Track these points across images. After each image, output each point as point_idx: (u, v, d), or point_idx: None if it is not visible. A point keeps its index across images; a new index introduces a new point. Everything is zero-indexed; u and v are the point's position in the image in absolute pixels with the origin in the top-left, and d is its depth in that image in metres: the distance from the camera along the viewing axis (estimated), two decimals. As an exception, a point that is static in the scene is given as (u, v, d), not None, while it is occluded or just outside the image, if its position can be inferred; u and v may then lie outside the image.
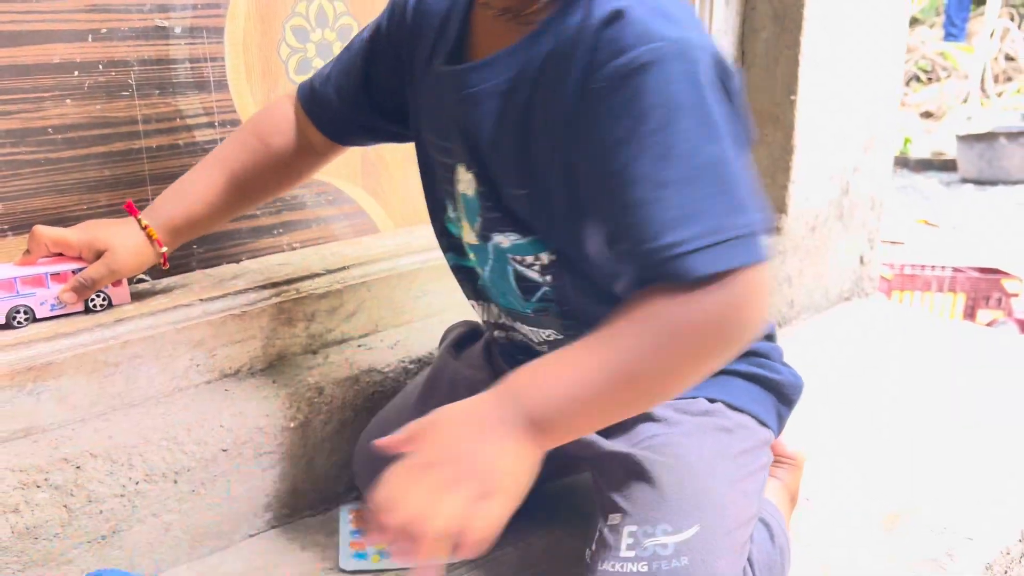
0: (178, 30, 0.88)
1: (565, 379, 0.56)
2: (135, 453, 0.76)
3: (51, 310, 0.81)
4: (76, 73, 0.83)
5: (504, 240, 0.69)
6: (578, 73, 0.57)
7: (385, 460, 0.55)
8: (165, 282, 0.91)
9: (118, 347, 0.80)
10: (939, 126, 6.91)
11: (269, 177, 0.83)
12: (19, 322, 0.79)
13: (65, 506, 0.72)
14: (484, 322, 0.82)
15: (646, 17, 0.55)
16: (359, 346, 0.97)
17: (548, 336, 0.74)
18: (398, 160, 1.10)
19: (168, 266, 0.83)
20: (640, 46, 0.54)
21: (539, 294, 0.71)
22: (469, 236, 0.73)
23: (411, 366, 0.95)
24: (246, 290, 0.89)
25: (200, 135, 0.92)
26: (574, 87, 0.58)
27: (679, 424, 0.72)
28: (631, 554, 0.65)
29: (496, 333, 0.81)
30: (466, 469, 0.53)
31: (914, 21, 7.73)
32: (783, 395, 0.79)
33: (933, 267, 2.85)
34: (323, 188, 1.04)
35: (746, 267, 0.53)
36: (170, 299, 0.86)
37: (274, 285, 0.92)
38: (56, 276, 0.80)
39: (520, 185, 0.65)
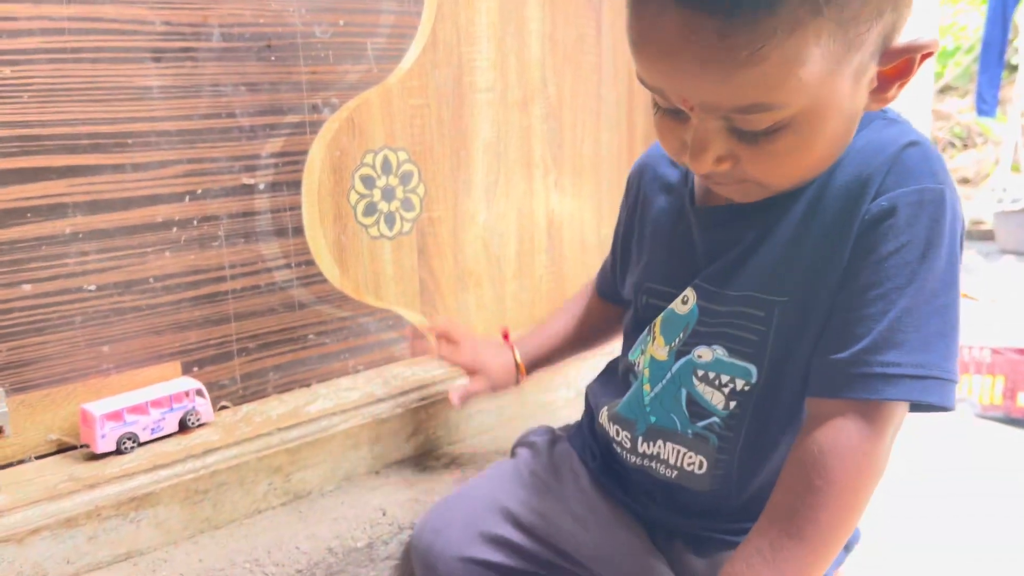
0: (262, 186, 1.00)
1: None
2: (223, 575, 0.85)
3: (152, 434, 0.91)
4: (175, 229, 0.94)
5: (707, 354, 0.71)
6: (867, 196, 0.62)
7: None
8: (245, 409, 1.01)
9: (207, 476, 0.89)
10: (977, 192, 6.90)
11: (601, 327, 1.00)
12: (127, 448, 0.89)
13: (162, 627, 0.80)
14: (612, 440, 0.83)
15: (928, 157, 0.62)
16: (416, 466, 1.05)
17: (687, 464, 0.75)
18: (451, 285, 1.20)
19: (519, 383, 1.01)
20: (925, 183, 0.60)
21: (706, 422, 0.73)
22: (657, 352, 0.75)
23: (465, 484, 1.03)
24: (318, 417, 0.99)
25: (279, 276, 1.03)
26: (855, 207, 0.63)
27: None
28: None
29: (619, 450, 0.82)
30: None
31: (947, 89, 7.79)
32: (847, 545, 0.80)
33: (971, 348, 2.86)
34: (385, 314, 1.14)
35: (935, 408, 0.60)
36: (252, 428, 0.95)
37: (343, 411, 1.01)
38: (155, 403, 0.91)
39: (758, 305, 0.68)
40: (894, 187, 0.61)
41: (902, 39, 0.59)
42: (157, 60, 0.90)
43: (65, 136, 0.86)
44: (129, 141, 0.90)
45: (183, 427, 0.94)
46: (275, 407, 1.01)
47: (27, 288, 0.86)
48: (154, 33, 0.89)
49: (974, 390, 2.77)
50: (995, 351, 2.81)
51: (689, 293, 0.72)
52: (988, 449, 1.39)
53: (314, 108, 1.02)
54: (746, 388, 0.70)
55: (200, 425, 0.95)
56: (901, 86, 0.61)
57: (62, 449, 0.91)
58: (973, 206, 6.38)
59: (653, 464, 0.77)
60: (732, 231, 0.70)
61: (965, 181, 7.32)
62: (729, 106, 0.56)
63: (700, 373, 0.72)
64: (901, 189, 0.61)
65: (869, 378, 0.60)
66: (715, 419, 0.72)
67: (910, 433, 0.86)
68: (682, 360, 0.73)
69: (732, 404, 0.71)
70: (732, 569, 0.62)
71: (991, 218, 5.42)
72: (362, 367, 1.13)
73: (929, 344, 0.60)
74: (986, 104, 4.19)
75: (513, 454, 0.99)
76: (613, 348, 0.93)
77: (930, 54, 0.58)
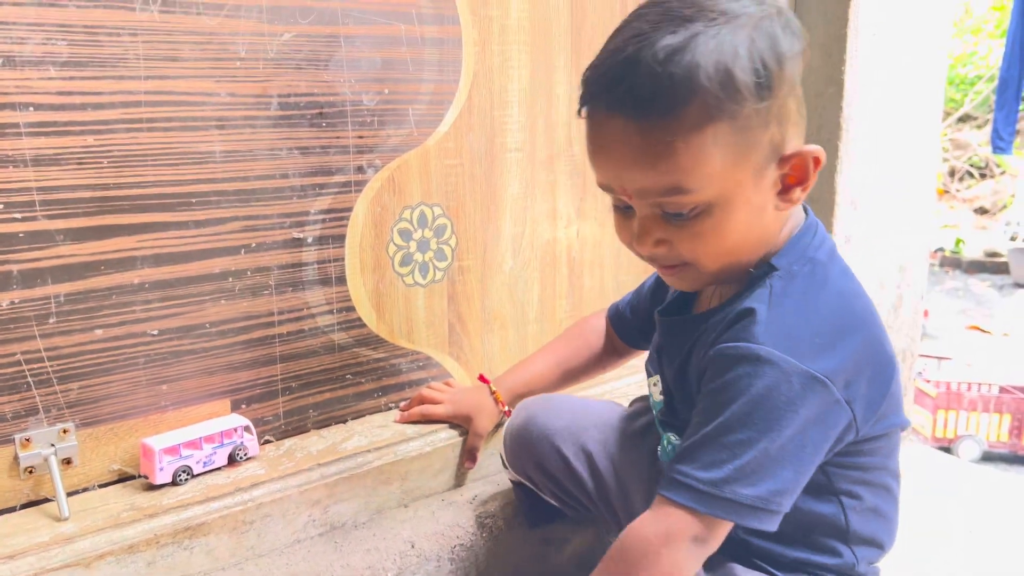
0: (310, 239, 1.08)
1: None
2: (266, 601, 0.93)
3: (204, 467, 1.00)
4: (230, 279, 1.03)
5: (672, 439, 0.87)
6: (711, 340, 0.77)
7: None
8: (287, 444, 1.09)
9: (254, 508, 0.98)
10: (993, 222, 6.91)
11: (585, 364, 1.13)
12: (182, 479, 0.98)
13: (212, 647, 0.89)
14: None
15: (768, 329, 0.72)
16: (442, 500, 1.14)
17: None
18: (477, 328, 1.28)
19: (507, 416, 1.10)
20: (745, 342, 0.72)
21: None
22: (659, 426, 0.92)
23: (487, 520, 1.11)
24: (355, 454, 1.07)
25: (321, 321, 1.11)
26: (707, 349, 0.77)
27: None
28: None
29: None
30: None
31: (966, 118, 7.81)
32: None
33: (979, 385, 2.91)
34: (416, 356, 1.22)
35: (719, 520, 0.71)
36: (294, 463, 1.04)
37: (376, 448, 1.09)
38: (208, 438, 1.00)
39: (676, 402, 0.86)
40: (722, 340, 0.74)
41: (795, 147, 0.73)
42: (221, 128, 0.99)
43: (137, 197, 0.95)
44: (192, 200, 0.99)
45: (231, 460, 1.02)
46: (315, 443, 1.10)
47: (99, 333, 0.95)
48: (219, 104, 0.98)
49: (981, 427, 2.82)
50: (1003, 389, 2.87)
51: (657, 381, 0.90)
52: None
53: (359, 169, 1.10)
54: None
55: (247, 459, 1.04)
56: (804, 190, 0.75)
57: (122, 479, 1.00)
58: (988, 237, 6.41)
59: None
60: (676, 341, 0.84)
61: (983, 211, 7.33)
62: (656, 189, 0.71)
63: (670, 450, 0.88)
64: (723, 344, 0.74)
65: (670, 480, 0.73)
66: None
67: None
68: (665, 438, 0.89)
69: None
70: None
71: (1006, 252, 5.46)
72: (394, 405, 1.22)
73: (717, 466, 0.71)
74: (1003, 142, 4.23)
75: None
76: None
77: (819, 160, 0.73)
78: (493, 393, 1.13)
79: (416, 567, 1.04)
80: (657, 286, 1.03)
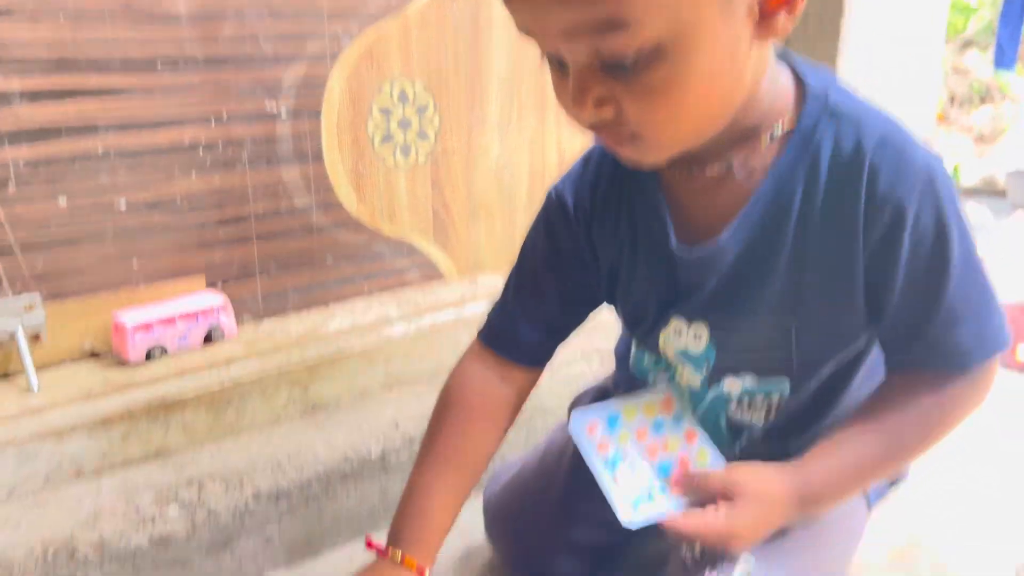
0: (283, 113, 1.03)
1: (843, 474, 0.68)
2: (245, 475, 0.91)
3: (179, 345, 0.97)
4: (200, 152, 0.98)
5: (736, 385, 0.72)
6: (858, 201, 0.61)
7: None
8: (266, 325, 1.06)
9: (231, 386, 0.95)
10: (992, 150, 6.84)
11: (490, 443, 0.79)
12: (156, 355, 0.95)
13: (191, 519, 0.87)
14: None
15: (909, 142, 0.61)
16: (428, 384, 1.11)
17: (732, 460, 0.75)
18: (463, 217, 1.24)
19: None
20: (919, 170, 0.60)
21: (747, 432, 0.75)
22: (689, 379, 0.75)
23: (473, 403, 1.08)
24: (336, 336, 1.04)
25: (299, 201, 1.07)
26: (853, 215, 0.62)
27: None
28: None
29: None
30: (750, 541, 0.67)
31: (969, 44, 7.67)
32: (895, 480, 0.84)
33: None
34: (400, 242, 1.18)
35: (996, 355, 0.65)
36: (272, 343, 1.01)
37: (359, 330, 1.06)
38: (183, 316, 0.97)
39: (773, 330, 0.68)
40: (891, 187, 0.60)
41: None
42: (185, -15, 0.93)
43: (98, 59, 0.89)
44: (158, 64, 0.93)
45: (208, 339, 0.99)
46: (294, 325, 1.07)
47: (62, 202, 0.91)
48: (182, -42, 0.92)
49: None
50: (1011, 306, 2.85)
51: (700, 329, 0.71)
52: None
53: (334, 37, 1.04)
54: (783, 397, 0.72)
55: (224, 339, 1.00)
56: (790, 15, 0.55)
57: (95, 354, 0.96)
58: (986, 164, 6.34)
59: None
60: (722, 263, 0.67)
61: (981, 138, 7.25)
62: (585, 25, 0.52)
63: (734, 404, 0.74)
64: (899, 187, 0.60)
65: (949, 356, 0.65)
66: (755, 427, 0.75)
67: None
68: (713, 393, 0.74)
69: (771, 415, 0.73)
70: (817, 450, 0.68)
71: (1003, 177, 5.40)
72: (376, 291, 1.18)
73: (980, 309, 0.65)
74: (1005, 57, 4.13)
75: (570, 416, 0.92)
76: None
77: None
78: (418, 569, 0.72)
79: (401, 447, 1.01)
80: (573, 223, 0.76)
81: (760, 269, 0.66)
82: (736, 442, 0.76)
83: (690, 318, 0.71)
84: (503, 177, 1.27)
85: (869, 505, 0.83)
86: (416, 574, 0.72)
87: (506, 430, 0.81)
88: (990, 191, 5.66)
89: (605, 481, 0.72)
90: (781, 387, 0.72)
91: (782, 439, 0.75)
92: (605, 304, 0.79)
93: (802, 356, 0.69)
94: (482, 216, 1.26)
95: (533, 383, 0.82)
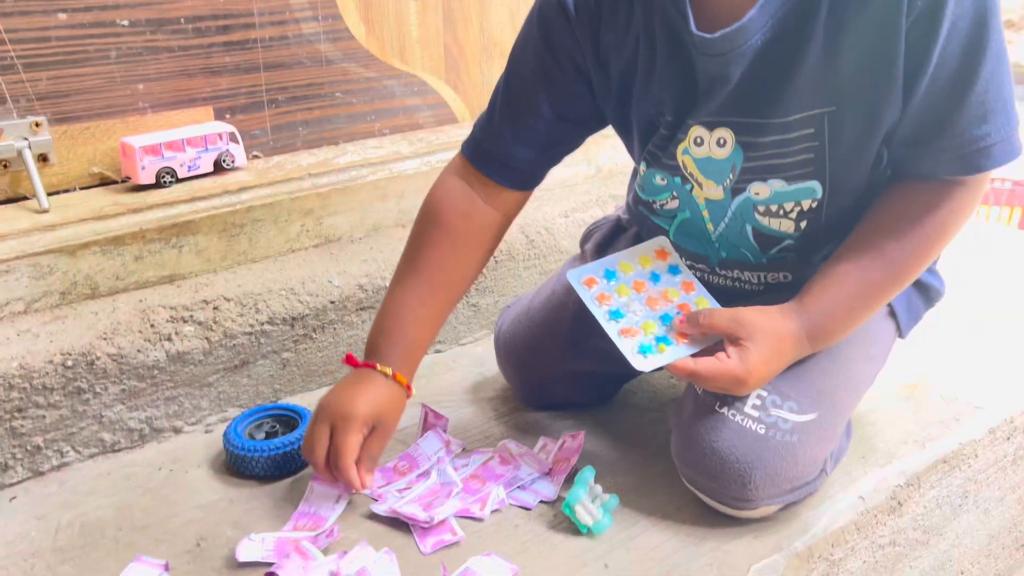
0: (289, -70, 0.98)
1: (847, 306, 0.68)
2: (260, 300, 0.91)
3: (189, 171, 0.95)
4: (204, -31, 0.94)
5: (763, 190, 0.69)
6: None
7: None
8: (276, 159, 1.04)
9: (243, 211, 0.94)
10: (1019, 36, 6.59)
11: (474, 267, 0.78)
12: (167, 182, 0.93)
13: (206, 339, 0.87)
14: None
15: None
16: (442, 222, 1.10)
17: (771, 280, 0.76)
18: (476, 56, 1.20)
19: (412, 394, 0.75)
20: None
21: (778, 248, 0.73)
22: (710, 193, 0.72)
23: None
24: (347, 168, 1.02)
25: (306, 28, 1.03)
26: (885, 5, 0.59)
27: None
28: (755, 414, 0.68)
29: (697, 273, 0.79)
30: (759, 384, 0.68)
31: (1004, -79, 7.28)
32: (929, 298, 0.82)
33: (993, 180, 2.84)
34: (411, 80, 1.15)
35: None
36: (284, 172, 0.99)
37: (370, 165, 1.04)
38: (191, 141, 0.94)
39: (804, 124, 0.65)
40: None
41: None
42: None
43: None
44: None
45: (218, 168, 0.98)
46: (305, 158, 1.05)
47: (62, 17, 0.87)
48: None
49: (991, 220, 2.78)
50: (1016, 183, 2.80)
51: (724, 134, 0.68)
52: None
53: None
54: (814, 205, 0.70)
55: (234, 168, 0.99)
56: None
57: (104, 183, 0.95)
58: (1017, 49, 6.12)
59: (736, 284, 0.78)
60: (747, 51, 0.63)
61: (1010, 24, 6.97)
62: None
63: (761, 209, 0.71)
64: None
65: (970, 156, 0.63)
66: (788, 242, 0.72)
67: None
68: (739, 199, 0.71)
69: (803, 224, 0.71)
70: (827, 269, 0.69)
71: (1032, 60, 5.22)
72: (388, 131, 1.15)
73: (1007, 107, 0.63)
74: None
75: (582, 248, 0.93)
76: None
77: None
78: (394, 376, 0.72)
79: (414, 280, 1.01)
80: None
81: (791, 54, 0.62)
82: (766, 255, 0.74)
83: (712, 123, 0.68)
84: (518, 14, 1.22)
85: (902, 331, 0.82)
86: (405, 390, 0.73)
87: (491, 252, 0.79)
88: (1018, 76, 5.49)
89: (611, 330, 0.73)
90: (813, 192, 0.69)
91: (815, 253, 0.73)
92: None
93: (835, 153, 0.66)
94: (495, 55, 1.22)
95: (521, 205, 0.80)
